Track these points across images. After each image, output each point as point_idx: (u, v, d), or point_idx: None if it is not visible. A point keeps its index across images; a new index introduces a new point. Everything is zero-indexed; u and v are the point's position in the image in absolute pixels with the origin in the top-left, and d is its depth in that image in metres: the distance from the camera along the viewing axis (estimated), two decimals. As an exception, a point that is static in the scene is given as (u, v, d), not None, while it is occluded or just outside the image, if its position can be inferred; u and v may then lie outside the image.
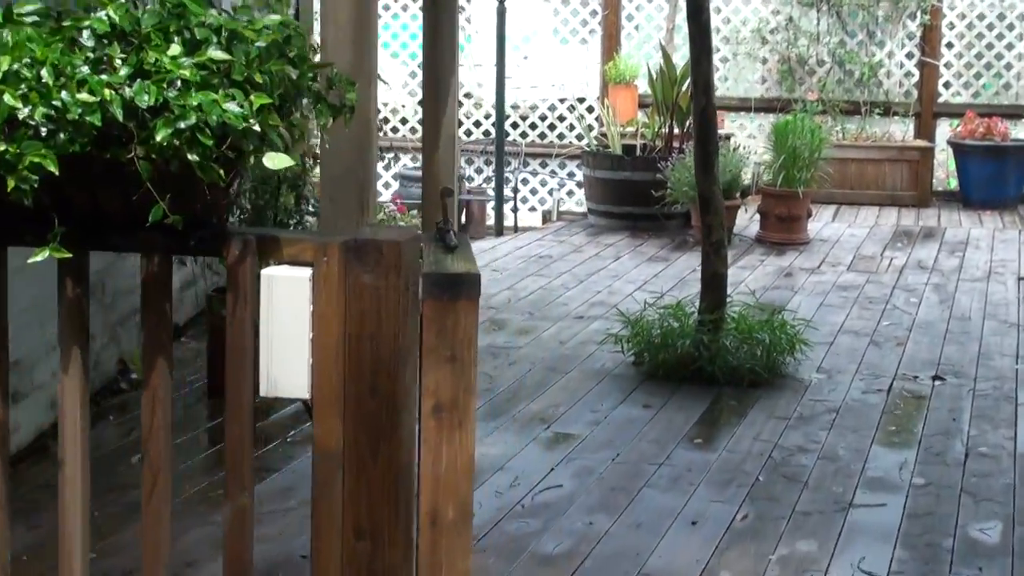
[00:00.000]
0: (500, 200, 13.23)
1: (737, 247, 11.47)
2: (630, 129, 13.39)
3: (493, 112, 15.83)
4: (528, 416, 6.86)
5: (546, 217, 15.71)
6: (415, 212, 9.08)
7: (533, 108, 15.96)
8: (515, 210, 14.90)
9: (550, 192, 15.83)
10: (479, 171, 15.88)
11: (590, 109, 15.69)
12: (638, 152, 12.45)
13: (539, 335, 8.49)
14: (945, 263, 10.94)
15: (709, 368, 7.40)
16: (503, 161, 13.43)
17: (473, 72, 16.00)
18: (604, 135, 13.14)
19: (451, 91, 5.73)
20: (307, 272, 3.25)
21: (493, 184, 14.09)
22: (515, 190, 15.07)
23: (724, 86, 15.34)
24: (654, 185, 11.56)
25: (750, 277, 10.30)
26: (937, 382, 7.54)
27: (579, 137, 15.80)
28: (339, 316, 3.23)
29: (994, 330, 8.71)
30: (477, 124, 16.04)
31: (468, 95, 15.99)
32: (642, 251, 11.31)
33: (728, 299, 7.87)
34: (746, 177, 13.04)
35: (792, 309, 9.11)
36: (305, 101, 3.32)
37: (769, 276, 10.36)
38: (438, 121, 5.71)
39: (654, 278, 10.22)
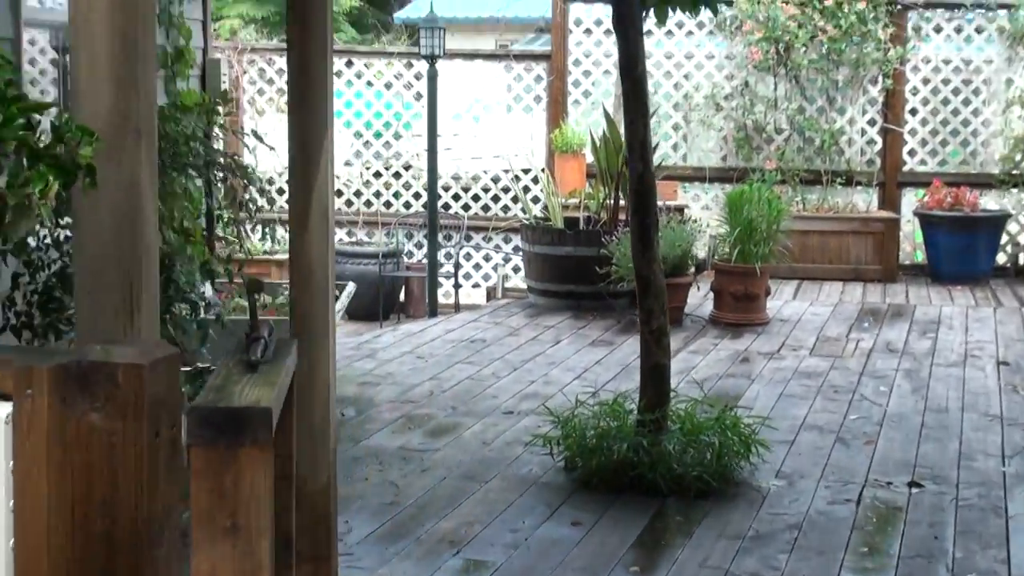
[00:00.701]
0: (433, 278, 12.15)
1: (689, 328, 10.43)
2: (574, 200, 12.35)
3: (455, 184, 14.84)
4: (436, 537, 5.76)
5: (490, 294, 14.65)
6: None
7: (475, 179, 14.94)
8: (457, 287, 13.84)
9: (494, 268, 14.78)
10: (419, 246, 14.82)
11: (536, 180, 14.69)
12: (581, 225, 11.41)
13: (460, 434, 7.39)
14: (916, 345, 9.91)
15: (650, 475, 6.32)
16: (436, 235, 12.36)
17: (412, 142, 14.99)
18: (548, 207, 12.09)
19: (324, 154, 4.67)
20: (3, 410, 2.18)
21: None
22: (456, 266, 14.02)
23: (677, 154, 14.37)
24: (598, 261, 10.53)
25: (702, 363, 9.23)
26: (914, 489, 6.48)
27: (524, 210, 14.79)
28: (53, 476, 2.16)
29: (975, 424, 7.66)
30: (417, 196, 14.98)
31: (407, 166, 14.97)
32: (585, 334, 10.24)
33: (673, 394, 6.81)
34: (701, 251, 12.04)
35: (748, 402, 8.06)
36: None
37: (723, 362, 9.29)
38: (308, 190, 4.65)
39: (595, 365, 9.14)
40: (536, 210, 12.52)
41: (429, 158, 12.01)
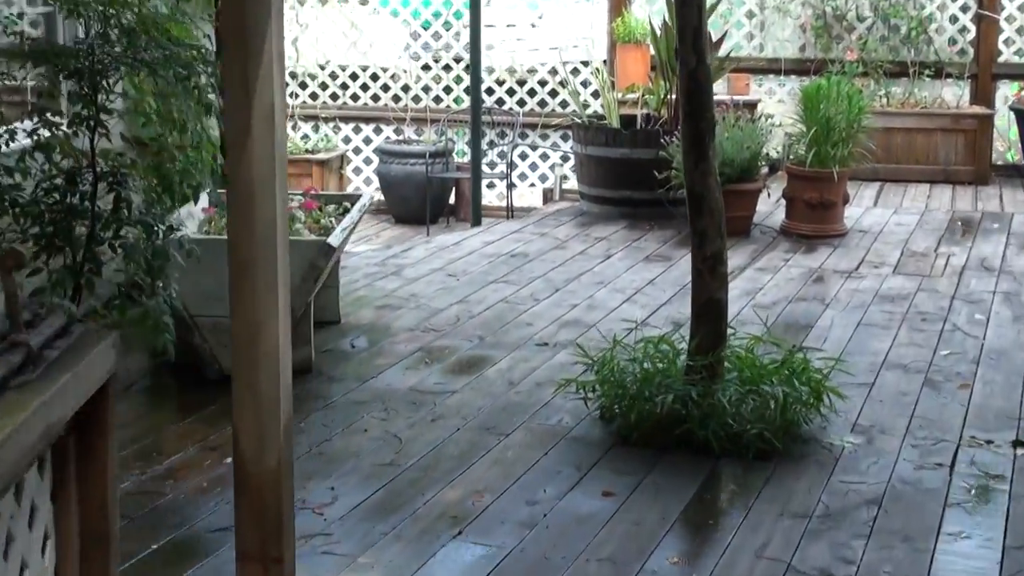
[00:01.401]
0: (477, 180, 10.96)
1: (757, 241, 9.25)
2: (633, 95, 11.13)
3: (509, 78, 13.66)
4: (436, 512, 4.72)
5: (547, 196, 13.50)
6: (334, 209, 6.94)
7: (532, 72, 13.74)
8: (510, 187, 12.70)
9: (551, 168, 13.62)
10: (471, 144, 13.66)
11: (597, 72, 13.48)
12: (639, 124, 10.21)
13: (484, 371, 6.33)
14: (1016, 262, 8.66)
15: (701, 432, 5.24)
16: (480, 132, 11.10)
17: (465, 33, 13.77)
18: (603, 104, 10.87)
19: (268, 42, 3.56)
20: None
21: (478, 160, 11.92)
22: (510, 165, 12.88)
23: (750, 45, 13.07)
24: (657, 164, 9.35)
25: (770, 283, 8.07)
26: (1019, 450, 5.34)
27: (576, 108, 13.61)
28: None
29: (1090, 362, 6.50)
30: (468, 91, 13.77)
31: (458, 58, 13.76)
32: (639, 247, 9.09)
33: (731, 331, 5.69)
34: (775, 152, 10.83)
35: (820, 333, 6.93)
36: None
37: (794, 282, 8.11)
38: (246, 86, 3.56)
39: (648, 285, 8.01)
40: (597, 106, 11.26)
41: (472, 45, 10.77)
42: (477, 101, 10.78)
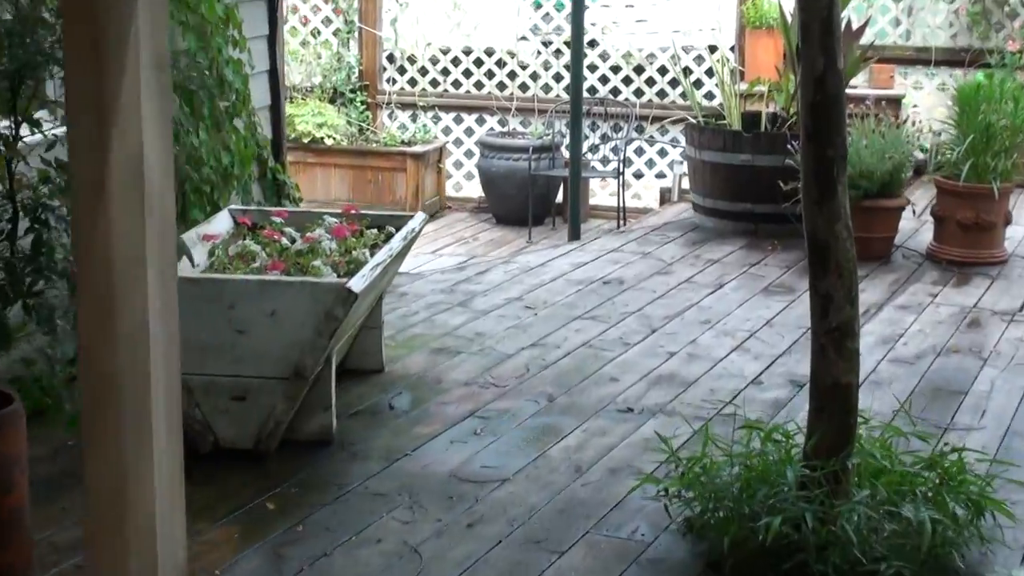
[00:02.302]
0: (575, 183, 9.52)
1: (898, 269, 7.75)
2: (761, 88, 9.63)
3: (625, 65, 12.28)
4: None
5: (664, 196, 12.08)
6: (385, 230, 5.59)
7: (651, 59, 12.31)
8: (622, 186, 11.32)
9: (670, 165, 12.20)
10: (584, 137, 12.30)
11: (722, 62, 12.03)
12: (763, 126, 8.74)
13: (547, 450, 4.97)
14: None
15: (818, 568, 3.84)
16: (579, 127, 9.62)
17: (598, 12, 12.37)
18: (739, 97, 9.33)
19: (133, 48, 2.26)
20: None
21: (588, 154, 10.55)
22: (624, 162, 11.48)
23: (896, 32, 11.49)
24: (783, 173, 7.89)
25: (912, 327, 6.59)
26: None
27: (709, 96, 12.17)
28: None
29: None
30: (603, 79, 12.40)
31: (591, 43, 12.34)
32: (758, 273, 7.64)
33: (861, 413, 4.27)
34: (920, 152, 9.31)
35: (977, 401, 5.45)
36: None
37: (943, 327, 6.62)
38: (103, 133, 2.24)
39: (764, 327, 6.58)
40: (696, 102, 9.73)
41: (574, 25, 9.32)
42: (578, 91, 9.34)
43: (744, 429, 4.40)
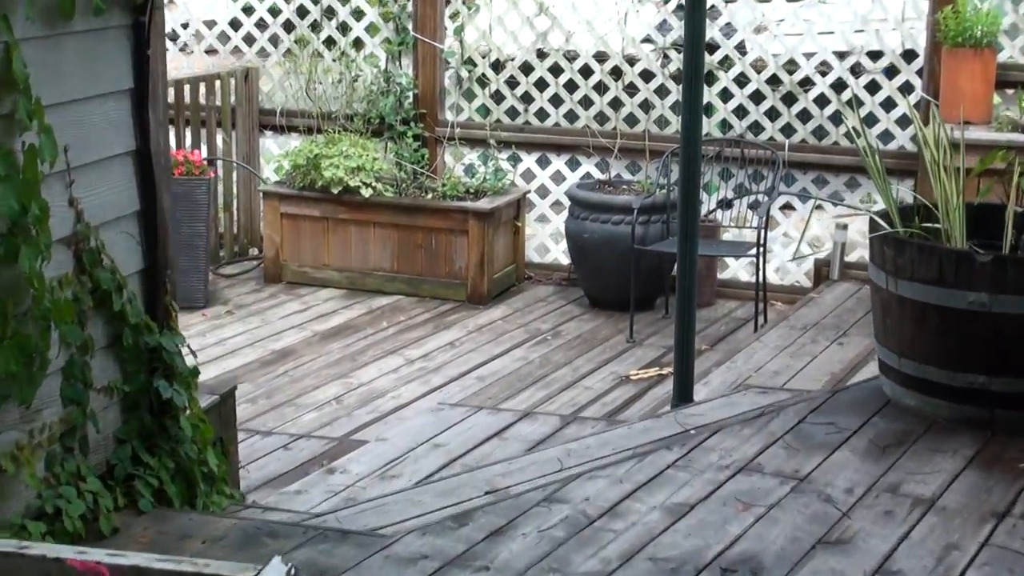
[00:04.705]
0: (689, 255, 5.71)
1: None
2: (982, 135, 5.91)
3: (771, 94, 8.74)
4: None
5: (820, 271, 8.56)
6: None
7: (805, 85, 8.69)
8: (762, 259, 7.82)
9: (832, 228, 8.63)
10: (710, 188, 8.79)
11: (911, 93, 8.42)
12: (1008, 235, 5.05)
13: None
14: None
15: None
16: (696, 177, 5.72)
17: (724, 12, 8.82)
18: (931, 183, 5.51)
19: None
20: None
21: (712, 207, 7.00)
22: (766, 223, 7.94)
23: None
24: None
25: None
26: None
27: (886, 136, 8.54)
28: None
29: None
30: (708, 109, 8.84)
31: (723, 61, 8.77)
32: (1011, 546, 4.05)
33: None
34: None
35: None
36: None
37: None
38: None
39: None
40: (877, 169, 5.76)
41: (688, 28, 5.61)
42: (694, 123, 5.61)
43: None
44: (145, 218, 4.11)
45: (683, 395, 5.37)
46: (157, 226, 4.13)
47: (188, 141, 9.08)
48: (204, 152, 9.17)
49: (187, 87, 9.11)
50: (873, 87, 8.48)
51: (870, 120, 8.44)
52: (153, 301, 4.14)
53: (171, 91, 8.98)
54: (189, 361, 4.23)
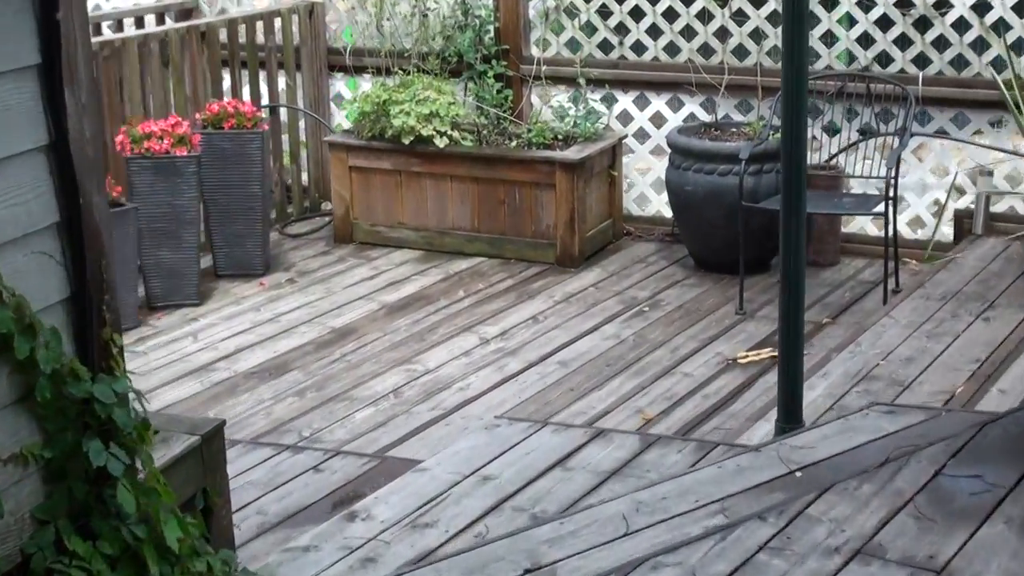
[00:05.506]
0: (798, 225, 4.57)
1: None
2: None
3: (901, 20, 7.56)
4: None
5: (962, 225, 7.37)
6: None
7: (941, 7, 7.43)
8: (893, 212, 6.68)
9: (973, 174, 7.42)
10: (831, 129, 7.62)
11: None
12: None
13: None
14: None
15: None
16: (802, 119, 4.55)
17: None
18: None
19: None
20: None
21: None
22: (897, 169, 6.76)
23: None
24: None
25: None
26: None
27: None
28: None
29: None
30: (831, 38, 7.61)
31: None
32: None
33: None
34: None
35: None
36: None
37: None
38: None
39: None
40: None
41: None
42: (800, 55, 4.46)
43: None
44: (69, 231, 3.13)
45: (789, 415, 4.28)
46: (85, 240, 3.15)
47: (247, 90, 8.12)
48: (265, 99, 8.22)
49: (243, 26, 8.14)
50: (1021, 8, 7.20)
51: (1018, 47, 7.18)
52: (84, 337, 3.17)
53: (224, 32, 8.03)
54: (142, 405, 3.26)
